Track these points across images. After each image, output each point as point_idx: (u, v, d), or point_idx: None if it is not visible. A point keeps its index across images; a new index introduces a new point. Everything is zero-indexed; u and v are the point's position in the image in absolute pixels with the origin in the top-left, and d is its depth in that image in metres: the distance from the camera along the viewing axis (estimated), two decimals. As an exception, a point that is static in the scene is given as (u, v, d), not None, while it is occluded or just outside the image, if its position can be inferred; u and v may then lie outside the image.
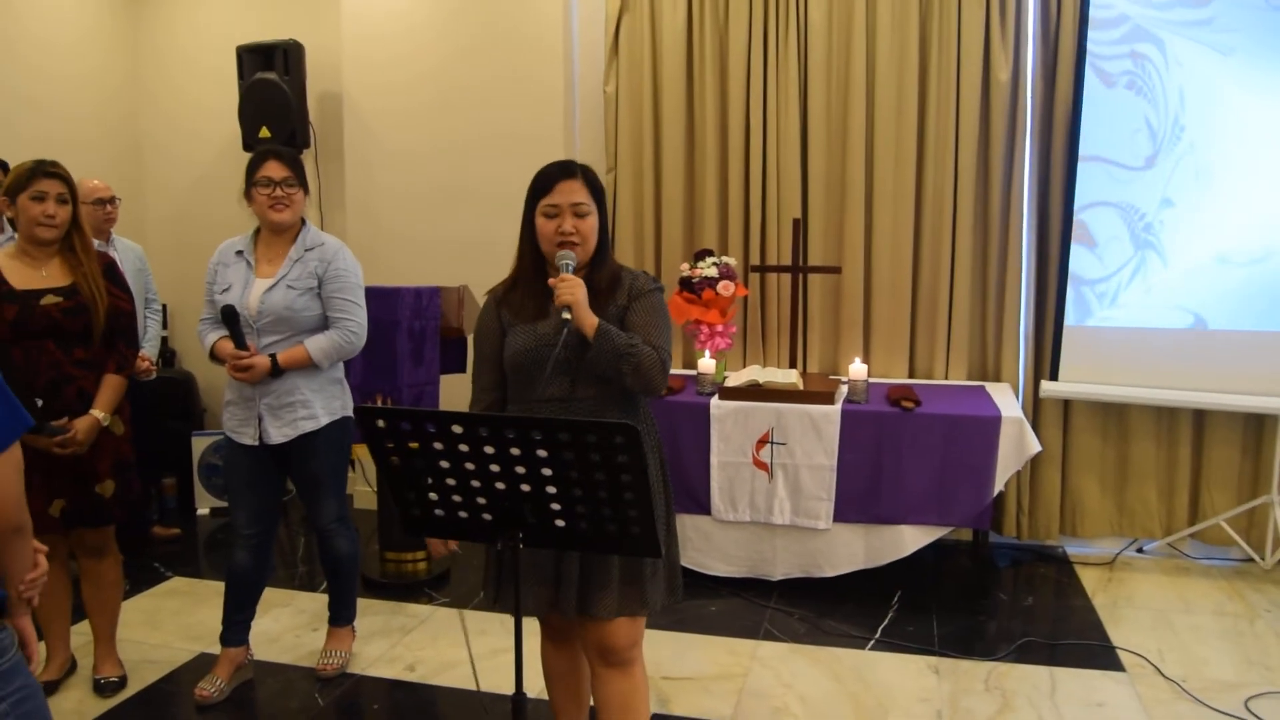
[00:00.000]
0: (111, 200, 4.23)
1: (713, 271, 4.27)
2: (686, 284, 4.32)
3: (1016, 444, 3.89)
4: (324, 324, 3.17)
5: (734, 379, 4.20)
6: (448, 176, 5.05)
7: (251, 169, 3.12)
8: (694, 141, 4.88)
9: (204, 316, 3.24)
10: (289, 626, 3.83)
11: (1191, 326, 4.17)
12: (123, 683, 3.30)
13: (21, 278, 2.97)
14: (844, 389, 4.19)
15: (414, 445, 1.94)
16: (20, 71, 4.98)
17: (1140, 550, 4.58)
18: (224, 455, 3.28)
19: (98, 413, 3.00)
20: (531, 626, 3.65)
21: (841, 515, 4.00)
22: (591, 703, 2.63)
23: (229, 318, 3.03)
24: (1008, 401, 4.15)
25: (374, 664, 3.51)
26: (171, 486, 5.30)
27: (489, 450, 1.89)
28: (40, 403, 2.91)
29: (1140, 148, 4.23)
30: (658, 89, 4.87)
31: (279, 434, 3.13)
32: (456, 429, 1.88)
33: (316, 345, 3.12)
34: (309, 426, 3.15)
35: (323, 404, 3.18)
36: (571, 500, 1.93)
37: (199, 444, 5.32)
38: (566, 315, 2.22)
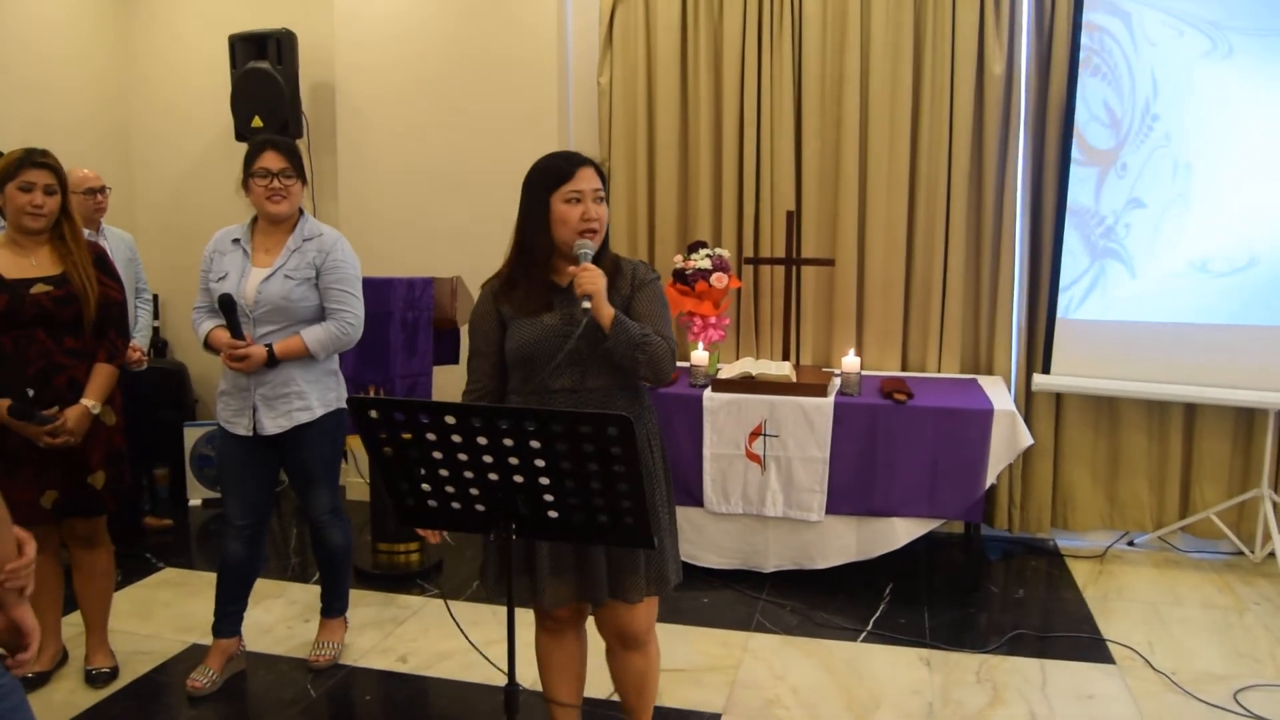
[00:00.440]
0: (102, 190, 4.21)
1: (706, 263, 4.27)
2: (680, 276, 4.32)
3: (1008, 437, 3.90)
4: (321, 315, 3.16)
5: (727, 371, 4.20)
6: (440, 166, 5.04)
7: (249, 159, 3.10)
8: (688, 133, 4.87)
9: (198, 305, 3.22)
10: (281, 618, 3.82)
11: (1181, 321, 4.18)
12: (114, 673, 3.30)
13: (11, 267, 2.96)
14: (837, 381, 4.20)
15: (407, 436, 1.94)
16: (11, 63, 4.95)
17: (1131, 543, 4.59)
18: (217, 445, 3.27)
19: (88, 402, 2.99)
20: (526, 617, 3.66)
21: (834, 507, 4.00)
22: (590, 691, 2.68)
23: (226, 307, 3.01)
24: (1000, 394, 4.16)
25: (366, 655, 3.51)
26: (164, 477, 5.29)
27: (482, 441, 1.88)
28: (31, 392, 2.90)
29: (1099, 138, 4.21)
30: (652, 80, 4.86)
31: (273, 425, 3.11)
32: (450, 419, 1.88)
33: (313, 336, 3.10)
34: (304, 418, 3.14)
35: (318, 395, 3.17)
36: (564, 491, 1.93)
37: (191, 435, 5.30)
38: (587, 305, 2.22)
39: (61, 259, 3.02)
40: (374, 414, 1.93)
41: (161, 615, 3.84)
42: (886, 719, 3.06)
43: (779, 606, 3.91)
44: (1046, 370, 4.39)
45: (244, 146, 3.57)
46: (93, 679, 3.24)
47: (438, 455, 1.94)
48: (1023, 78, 4.44)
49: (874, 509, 3.99)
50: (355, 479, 5.36)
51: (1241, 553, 4.33)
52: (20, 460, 2.95)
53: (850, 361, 4.12)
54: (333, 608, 3.50)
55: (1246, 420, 4.36)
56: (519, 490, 1.95)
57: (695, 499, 4.10)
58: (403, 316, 4.03)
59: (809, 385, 4.04)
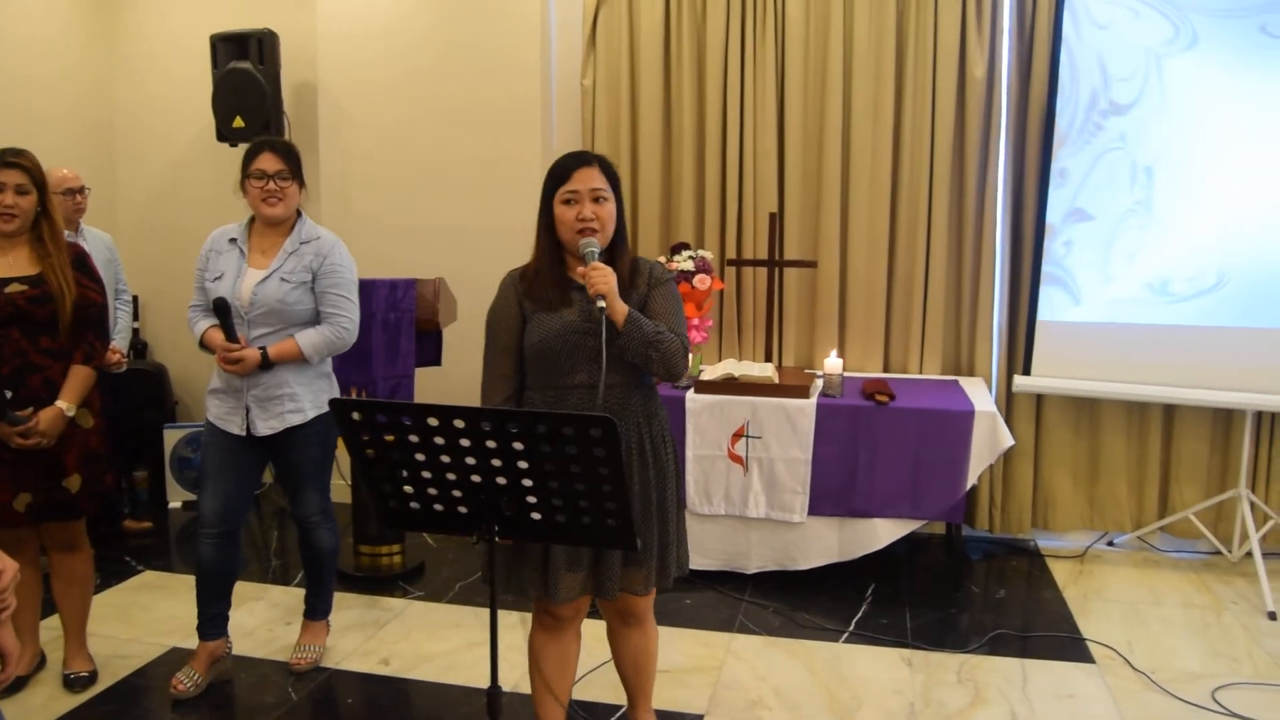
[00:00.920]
0: (81, 190, 4.18)
1: (689, 265, 4.27)
2: (663, 277, 4.32)
3: (989, 438, 3.92)
4: (316, 318, 3.15)
5: (710, 372, 4.21)
6: (423, 167, 5.03)
7: (247, 160, 3.09)
8: (671, 135, 4.88)
9: (194, 303, 3.20)
10: (263, 620, 3.80)
11: (1160, 323, 4.21)
12: (93, 678, 3.27)
13: None
14: (819, 383, 4.21)
15: (390, 438, 1.93)
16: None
17: (1111, 543, 4.63)
18: (203, 441, 3.23)
19: (63, 404, 2.95)
20: (509, 619, 3.66)
21: (816, 508, 4.01)
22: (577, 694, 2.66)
23: (221, 310, 2.99)
24: (981, 396, 4.18)
25: (348, 658, 3.49)
26: (143, 479, 5.25)
27: (465, 443, 1.88)
28: (10, 394, 2.87)
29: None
30: (635, 82, 4.86)
31: (266, 426, 3.11)
32: (432, 421, 1.87)
33: (308, 340, 3.10)
34: (296, 420, 3.13)
35: (310, 398, 3.16)
36: (547, 492, 1.93)
37: (171, 436, 5.27)
38: (601, 304, 2.26)
39: (40, 259, 2.98)
40: (357, 416, 1.93)
41: (141, 619, 3.81)
42: (868, 719, 3.07)
43: (761, 607, 3.91)
44: (1027, 372, 4.41)
45: (225, 147, 3.57)
46: (71, 683, 3.21)
47: (420, 457, 1.94)
48: (1004, 80, 4.47)
49: (856, 510, 4.00)
50: (337, 481, 5.32)
51: (1219, 552, 4.37)
52: None
53: (832, 363, 4.13)
54: (316, 610, 3.48)
55: (1224, 421, 4.40)
56: (502, 492, 1.95)
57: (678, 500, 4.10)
58: (385, 318, 4.01)
59: (791, 387, 4.05)
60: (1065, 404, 4.54)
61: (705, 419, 4.05)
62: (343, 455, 5.00)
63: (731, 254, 4.80)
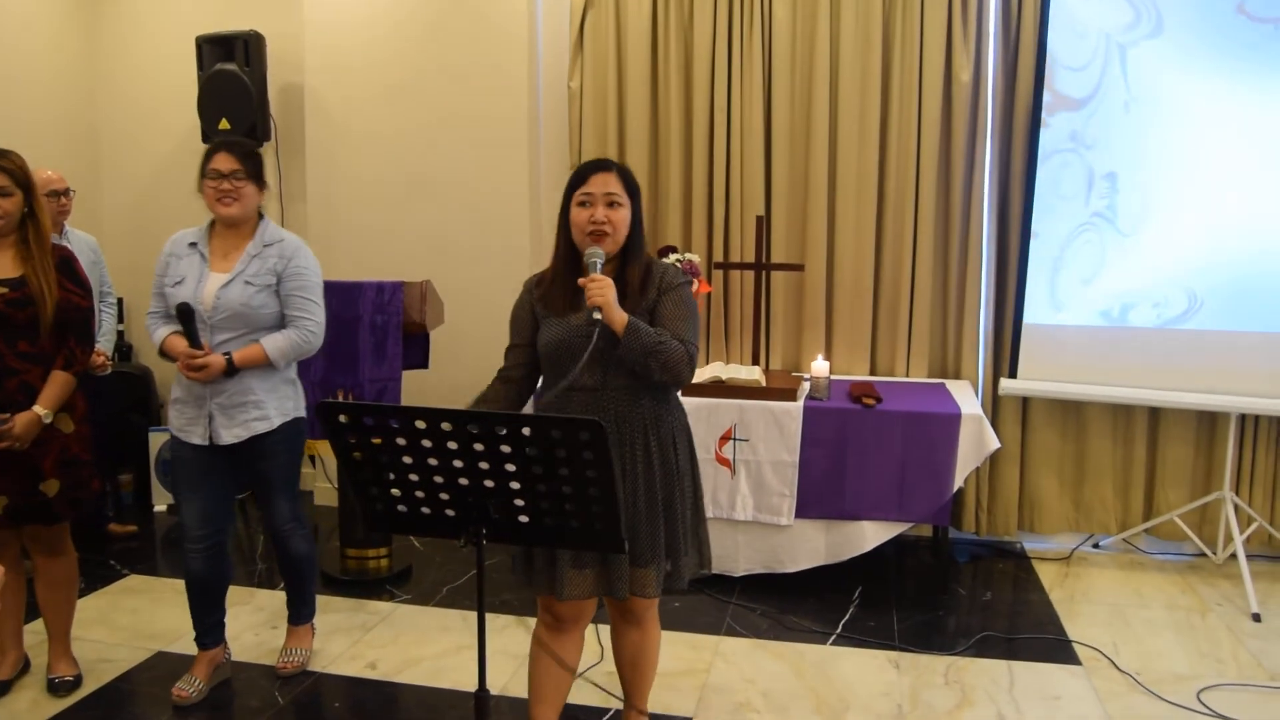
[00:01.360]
0: (65, 192, 4.16)
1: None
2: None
3: (976, 441, 3.94)
4: (280, 322, 3.09)
5: (697, 375, 4.21)
6: (410, 169, 5.02)
7: (204, 161, 3.04)
8: (658, 138, 4.88)
9: (152, 310, 3.12)
10: (248, 625, 3.78)
11: (1145, 326, 4.23)
12: (77, 682, 3.25)
13: None
14: (806, 386, 4.22)
15: (377, 441, 1.93)
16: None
17: (1096, 546, 4.65)
18: (171, 455, 3.16)
19: (39, 409, 2.91)
20: (497, 623, 3.66)
21: (803, 511, 4.02)
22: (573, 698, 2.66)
23: (184, 316, 2.92)
24: (967, 399, 4.19)
25: (335, 661, 3.48)
26: (128, 483, 5.23)
27: (452, 446, 1.88)
28: None
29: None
30: (622, 85, 4.86)
31: (230, 434, 3.04)
32: (420, 424, 1.87)
33: (274, 344, 3.03)
34: (261, 427, 3.06)
35: (275, 404, 3.09)
36: (535, 495, 1.92)
37: (156, 439, 5.24)
38: (597, 315, 2.30)
39: (23, 262, 2.95)
40: (343, 419, 1.92)
41: (126, 623, 3.79)
42: (856, 721, 3.08)
43: (749, 610, 3.92)
44: (1013, 375, 4.43)
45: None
46: (55, 687, 3.19)
47: (408, 460, 1.94)
48: (989, 84, 4.49)
49: (843, 513, 4.01)
50: (323, 484, 5.32)
51: (1204, 554, 4.39)
52: None
53: (819, 366, 4.14)
54: (300, 614, 3.45)
55: (1209, 424, 4.42)
56: (490, 495, 1.95)
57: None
58: (371, 321, 4.00)
59: (778, 390, 4.06)
60: (1051, 407, 4.56)
61: (692, 422, 3.99)
62: (329, 458, 5.01)
63: (719, 257, 4.80)
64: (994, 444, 3.97)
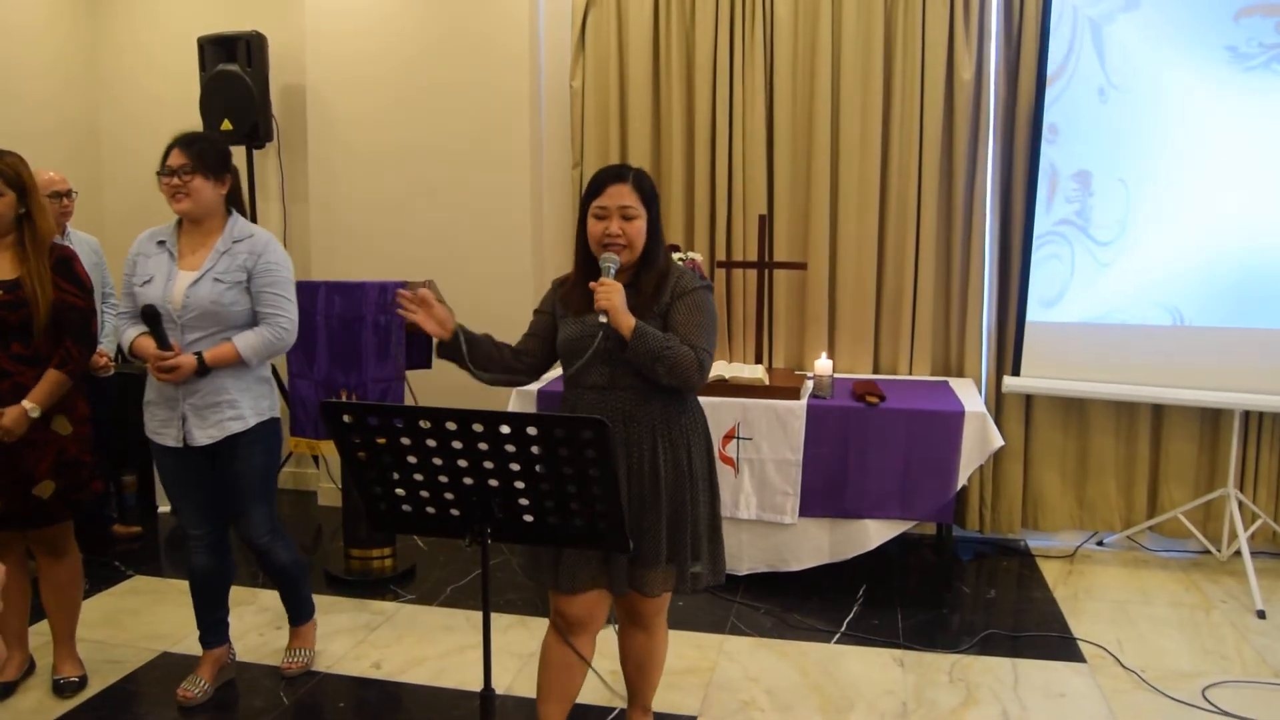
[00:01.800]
0: (68, 193, 4.16)
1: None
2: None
3: (979, 439, 3.93)
4: (251, 319, 3.01)
5: (700, 374, 4.20)
6: (412, 169, 5.02)
7: (161, 158, 2.98)
8: (660, 137, 4.88)
9: (121, 310, 3.07)
10: (252, 625, 3.79)
11: (1148, 324, 4.22)
12: (83, 683, 3.25)
13: None
14: (809, 384, 4.22)
15: (381, 441, 1.93)
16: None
17: (1100, 543, 4.64)
18: (154, 460, 3.11)
19: (27, 404, 2.89)
20: (501, 622, 3.66)
21: (807, 510, 4.02)
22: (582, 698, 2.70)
23: (150, 318, 2.86)
24: (971, 396, 4.19)
25: (339, 661, 3.48)
26: (132, 484, 5.22)
27: (457, 445, 1.88)
28: None
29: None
30: (624, 84, 4.86)
31: (204, 435, 2.97)
32: (424, 424, 1.87)
33: (246, 342, 2.96)
34: (236, 428, 2.99)
35: (250, 404, 3.02)
36: (539, 495, 1.93)
37: (159, 441, 5.23)
38: (603, 319, 2.34)
39: (19, 263, 2.92)
40: (347, 419, 1.92)
41: (130, 624, 3.79)
42: (861, 720, 3.08)
43: (753, 609, 3.92)
44: (1016, 372, 4.43)
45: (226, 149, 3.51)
46: (60, 688, 3.20)
47: (412, 460, 1.94)
48: (992, 83, 4.48)
49: (847, 511, 4.01)
50: (327, 484, 5.33)
51: (1208, 551, 4.39)
52: None
53: (823, 364, 4.14)
54: (299, 615, 3.43)
55: (1212, 421, 4.42)
56: (494, 494, 1.95)
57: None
58: (374, 321, 4.01)
59: (782, 388, 4.06)
60: (1054, 404, 4.56)
61: (696, 421, 4.04)
62: (332, 458, 5.01)
63: (721, 256, 4.80)
64: (997, 442, 3.97)
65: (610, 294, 2.34)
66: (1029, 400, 4.59)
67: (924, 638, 3.65)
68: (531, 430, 1.84)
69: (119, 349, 4.69)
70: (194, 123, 5.09)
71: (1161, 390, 4.20)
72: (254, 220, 5.26)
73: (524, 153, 4.88)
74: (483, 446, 1.87)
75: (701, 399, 3.97)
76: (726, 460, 4.04)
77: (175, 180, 2.92)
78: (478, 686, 2.11)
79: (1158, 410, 4.47)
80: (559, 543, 2.19)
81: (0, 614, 3.02)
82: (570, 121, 5.00)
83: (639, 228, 2.45)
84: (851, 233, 4.66)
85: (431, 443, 1.89)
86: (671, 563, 2.48)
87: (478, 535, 2.01)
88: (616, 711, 3.10)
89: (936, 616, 3.87)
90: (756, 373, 4.14)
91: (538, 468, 1.88)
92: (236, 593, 3.98)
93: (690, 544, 2.49)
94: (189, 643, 3.51)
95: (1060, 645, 3.58)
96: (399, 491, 2.02)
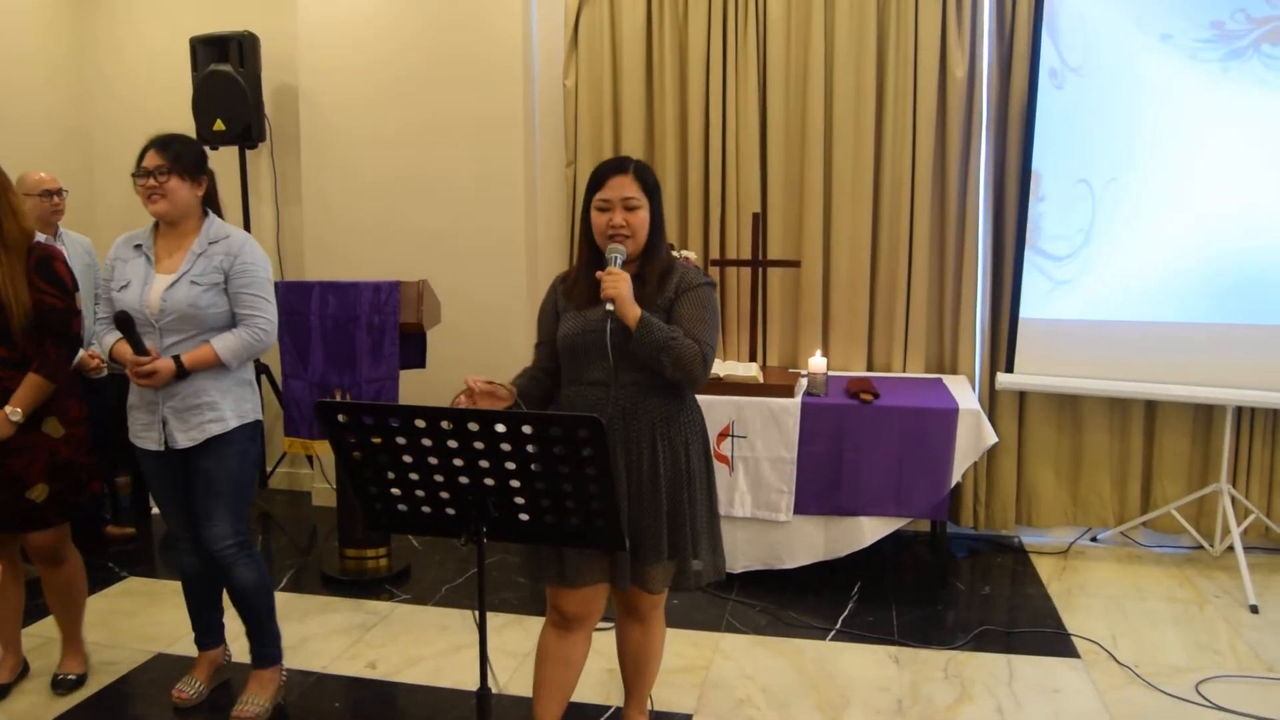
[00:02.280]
0: (58, 192, 4.15)
1: (673, 265, 4.27)
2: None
3: (973, 435, 3.94)
4: (230, 321, 2.97)
5: (695, 373, 4.21)
6: (405, 169, 5.02)
7: (136, 160, 2.95)
8: (654, 136, 4.88)
9: (100, 316, 3.04)
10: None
11: (1141, 320, 4.23)
12: (80, 681, 3.25)
13: None
14: (803, 382, 4.22)
15: (377, 440, 1.93)
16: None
17: (1094, 539, 4.66)
18: (140, 463, 3.08)
19: (9, 409, 2.88)
20: (496, 621, 3.66)
21: (801, 507, 4.02)
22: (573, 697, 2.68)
23: (124, 324, 2.81)
24: (965, 393, 4.20)
25: (334, 662, 3.48)
26: (125, 485, 5.21)
27: (452, 444, 1.88)
28: None
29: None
30: (617, 83, 4.87)
31: (185, 438, 2.91)
32: (420, 423, 1.87)
33: (224, 345, 2.90)
34: (216, 429, 2.92)
35: (231, 406, 2.96)
36: (535, 493, 1.93)
37: (153, 442, 5.22)
38: (610, 308, 2.33)
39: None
40: (342, 418, 1.92)
41: (125, 625, 3.78)
42: (856, 716, 3.08)
43: (748, 607, 3.92)
44: (1010, 369, 4.44)
45: (206, 150, 3.51)
46: (58, 684, 3.20)
47: (408, 459, 1.94)
48: (984, 80, 4.49)
49: (841, 508, 4.01)
50: (321, 485, 5.32)
51: (1201, 546, 4.41)
52: None
53: (817, 362, 4.14)
54: (260, 655, 3.15)
55: (1205, 417, 4.44)
56: (490, 493, 1.95)
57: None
58: (369, 321, 4.00)
59: (776, 386, 4.06)
60: (1048, 401, 4.57)
61: (690, 419, 4.05)
62: (327, 458, 5.01)
63: (715, 254, 4.81)
64: (991, 438, 3.98)
65: (617, 282, 2.35)
66: (1022, 397, 4.60)
67: (919, 634, 3.66)
68: (527, 429, 1.84)
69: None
70: (186, 123, 5.09)
71: (1154, 386, 4.22)
72: (247, 221, 5.29)
73: (518, 152, 4.87)
74: (478, 445, 1.87)
75: (697, 396, 4.01)
76: (721, 458, 4.04)
77: (151, 181, 2.89)
78: (473, 686, 2.11)
79: (1151, 406, 4.48)
80: (555, 541, 2.19)
81: None
82: (564, 120, 5.00)
83: (642, 218, 2.47)
84: (845, 230, 4.66)
85: (427, 442, 1.89)
86: (673, 558, 2.49)
87: (474, 534, 2.01)
88: (612, 710, 3.10)
89: (931, 613, 3.88)
90: (751, 371, 4.15)
91: (533, 466, 1.88)
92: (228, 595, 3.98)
93: (690, 540, 2.49)
94: (183, 644, 3.50)
95: (1054, 641, 3.59)
96: (395, 491, 2.02)
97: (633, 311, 2.36)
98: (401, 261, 4.88)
